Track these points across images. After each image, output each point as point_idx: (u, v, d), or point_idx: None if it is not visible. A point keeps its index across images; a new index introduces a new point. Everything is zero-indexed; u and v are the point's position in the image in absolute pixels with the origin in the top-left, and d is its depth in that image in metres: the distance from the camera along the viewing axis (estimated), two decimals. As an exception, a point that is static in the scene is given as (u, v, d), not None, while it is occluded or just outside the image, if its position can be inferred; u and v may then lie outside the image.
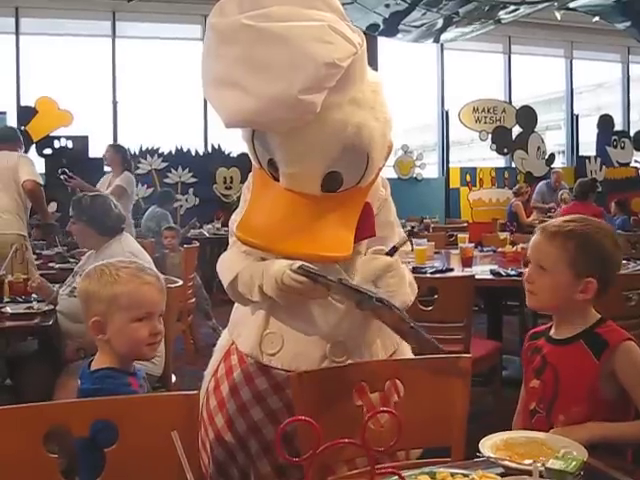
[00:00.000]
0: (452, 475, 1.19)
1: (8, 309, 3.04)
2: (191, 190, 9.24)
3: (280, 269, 1.61)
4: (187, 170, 9.23)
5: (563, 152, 12.49)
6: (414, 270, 3.21)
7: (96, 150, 7.95)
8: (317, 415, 1.36)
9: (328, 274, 1.57)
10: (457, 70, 11.23)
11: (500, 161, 11.54)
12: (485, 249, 5.24)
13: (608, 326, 1.71)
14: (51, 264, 4.89)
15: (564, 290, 1.70)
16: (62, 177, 5.85)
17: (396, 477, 1.11)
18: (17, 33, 9.10)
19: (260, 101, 1.48)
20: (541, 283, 1.74)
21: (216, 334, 4.26)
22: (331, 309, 1.77)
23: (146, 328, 1.63)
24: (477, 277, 3.42)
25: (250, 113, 1.51)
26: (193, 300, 5.06)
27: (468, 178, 10.83)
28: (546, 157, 11.01)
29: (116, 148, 6.31)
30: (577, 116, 12.17)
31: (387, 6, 8.03)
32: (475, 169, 11.01)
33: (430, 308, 3.14)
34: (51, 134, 8.55)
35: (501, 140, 10.72)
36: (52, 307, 3.03)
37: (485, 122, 10.75)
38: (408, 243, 1.93)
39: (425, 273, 3.69)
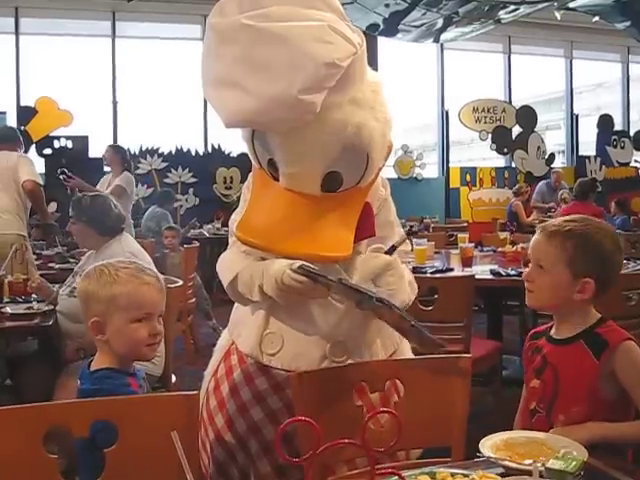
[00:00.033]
0: (452, 475, 1.19)
1: (8, 309, 3.04)
2: (191, 190, 9.24)
3: (280, 269, 1.61)
4: (187, 170, 9.23)
5: (563, 152, 12.50)
6: (414, 270, 3.20)
7: (96, 150, 7.95)
8: (317, 415, 1.37)
9: (328, 274, 1.57)
10: (457, 70, 11.22)
11: (500, 161, 11.54)
12: (485, 249, 5.24)
13: (608, 326, 1.71)
14: (51, 264, 4.89)
15: (562, 290, 1.70)
16: (61, 177, 5.85)
17: (396, 477, 1.11)
18: (17, 33, 9.10)
19: (260, 101, 1.48)
20: (540, 282, 1.75)
21: (216, 334, 4.26)
22: (331, 309, 1.77)
23: (145, 329, 1.62)
24: (477, 277, 3.42)
25: (250, 113, 1.51)
26: (193, 300, 5.05)
27: (468, 178, 10.83)
28: (546, 157, 11.01)
29: (115, 148, 6.32)
30: (577, 116, 12.18)
31: (387, 6, 8.03)
32: (475, 169, 11.01)
33: (430, 308, 3.14)
34: (51, 134, 8.55)
35: (501, 140, 10.72)
36: (52, 307, 3.03)
37: (485, 122, 10.75)
38: (408, 243, 1.93)
39: (425, 273, 3.69)
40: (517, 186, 9.31)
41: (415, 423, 1.60)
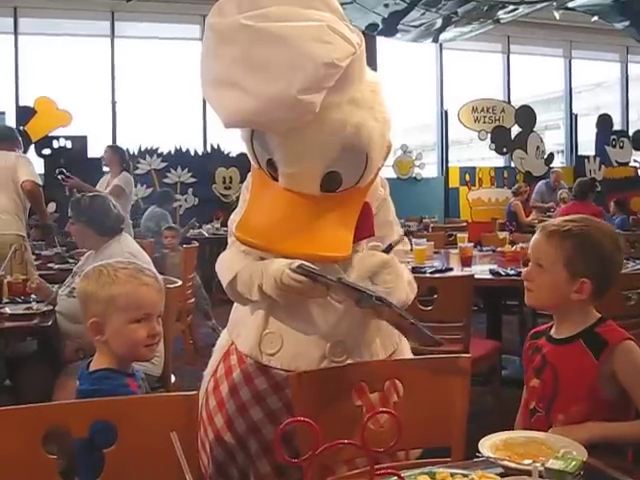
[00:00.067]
0: (452, 475, 1.19)
1: (7, 310, 3.04)
2: (190, 190, 9.24)
3: (279, 268, 1.61)
4: (186, 170, 9.23)
5: (562, 152, 12.51)
6: (413, 270, 3.20)
7: (95, 150, 7.95)
8: (316, 415, 1.37)
9: (327, 273, 1.57)
10: (456, 70, 11.23)
11: (499, 161, 11.55)
12: (484, 249, 5.24)
13: (608, 326, 1.71)
14: (50, 264, 4.88)
15: (560, 289, 1.71)
16: (59, 177, 5.85)
17: (395, 477, 1.11)
18: (16, 33, 9.09)
19: (259, 101, 1.48)
20: (539, 281, 1.75)
21: (215, 334, 4.26)
22: (330, 309, 1.77)
23: (144, 329, 1.62)
24: (476, 277, 3.42)
25: (249, 113, 1.51)
26: (192, 300, 5.05)
27: (467, 178, 10.84)
28: (545, 157, 11.02)
29: (114, 149, 6.32)
30: (576, 116, 12.19)
31: (386, 6, 8.03)
32: (474, 169, 11.02)
33: (429, 308, 3.14)
34: (50, 134, 8.55)
35: (500, 140, 10.73)
36: (51, 308, 3.03)
37: (484, 122, 10.75)
38: (407, 242, 1.94)
39: (424, 273, 3.69)
40: (516, 186, 9.32)
41: (414, 423, 1.59)
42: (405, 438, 1.14)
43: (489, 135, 10.70)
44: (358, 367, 1.74)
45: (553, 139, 12.72)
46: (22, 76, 9.09)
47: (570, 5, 8.50)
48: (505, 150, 10.89)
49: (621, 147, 11.72)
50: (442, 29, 8.92)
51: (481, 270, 3.92)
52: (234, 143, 7.95)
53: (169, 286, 2.79)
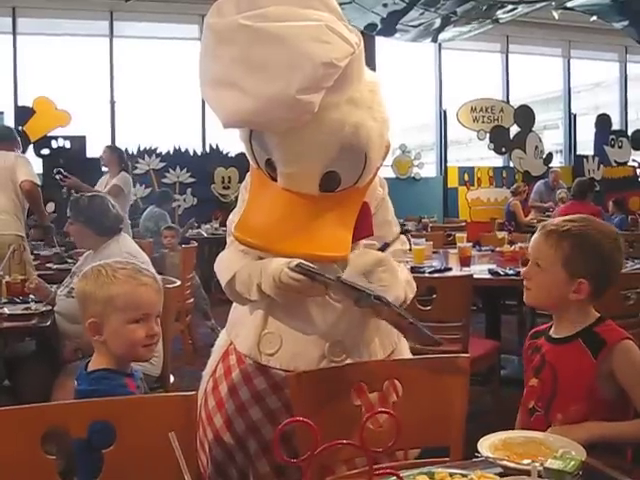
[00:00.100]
0: (450, 475, 1.19)
1: (6, 310, 3.03)
2: (189, 190, 9.23)
3: (278, 267, 1.61)
4: (185, 170, 9.23)
5: (561, 151, 12.51)
6: (412, 270, 3.20)
7: (94, 150, 7.94)
8: (315, 415, 1.36)
9: (326, 272, 1.57)
10: (455, 69, 11.23)
11: (498, 160, 11.55)
12: (483, 248, 5.24)
13: (607, 325, 1.72)
14: (49, 265, 4.88)
15: (558, 289, 1.71)
16: (57, 177, 5.85)
17: (394, 477, 1.11)
18: (14, 33, 9.08)
19: (258, 101, 1.48)
20: (537, 281, 1.75)
21: (214, 334, 4.26)
22: (329, 308, 1.77)
23: (143, 329, 1.62)
24: (475, 276, 3.43)
25: (248, 113, 1.51)
26: (191, 300, 5.06)
27: (466, 177, 10.84)
28: (544, 156, 11.03)
29: (113, 149, 6.33)
30: (575, 115, 12.19)
31: (385, 6, 8.03)
32: (473, 168, 11.02)
33: (428, 308, 3.14)
34: (49, 134, 8.54)
35: (499, 139, 10.73)
36: (50, 308, 3.03)
37: (483, 121, 10.76)
38: (406, 242, 1.93)
39: (423, 273, 3.69)
40: (515, 185, 9.32)
41: (413, 423, 1.60)
42: (404, 438, 1.14)
43: (488, 135, 10.71)
44: (357, 367, 1.74)
45: (552, 139, 12.72)
46: (21, 76, 9.09)
47: (569, 5, 8.50)
48: (504, 150, 10.89)
49: (620, 147, 11.73)
50: (441, 29, 8.91)
51: (480, 270, 3.92)
52: (233, 143, 7.93)
53: (168, 286, 2.79)
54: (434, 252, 4.72)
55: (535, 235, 1.80)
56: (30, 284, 3.19)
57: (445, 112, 11.05)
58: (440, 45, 10.87)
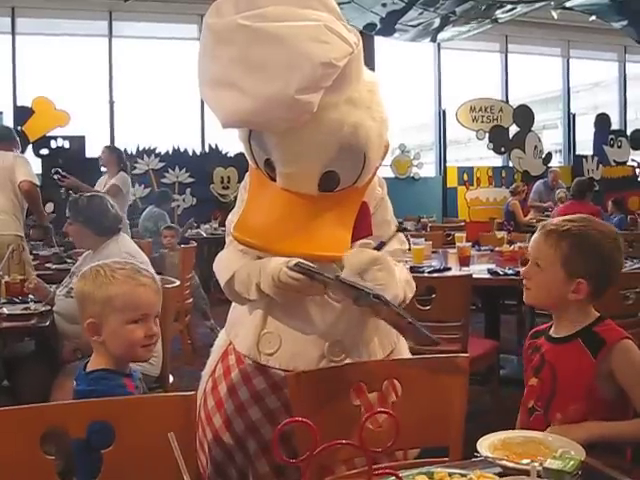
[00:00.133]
0: (450, 475, 1.19)
1: (5, 310, 3.03)
2: (188, 190, 9.23)
3: (277, 266, 1.61)
4: (184, 170, 9.22)
5: (560, 151, 12.52)
6: (412, 269, 3.21)
7: (93, 150, 7.93)
8: (314, 415, 1.37)
9: (325, 271, 1.57)
10: (454, 69, 11.23)
11: (497, 160, 11.56)
12: (482, 248, 5.23)
13: (606, 325, 1.72)
14: (48, 265, 4.88)
15: (558, 289, 1.71)
16: (55, 177, 5.85)
17: (393, 477, 1.11)
18: (13, 33, 9.08)
19: (257, 101, 1.48)
20: (537, 280, 1.75)
21: (214, 334, 4.26)
22: (328, 308, 1.78)
23: (141, 330, 1.62)
24: (474, 276, 3.42)
25: (247, 113, 1.51)
26: (190, 300, 5.06)
27: (465, 177, 10.84)
28: (543, 156, 11.03)
29: (111, 149, 6.33)
30: (574, 115, 12.18)
31: (384, 5, 8.02)
32: (472, 168, 11.03)
33: (428, 307, 3.14)
34: (48, 134, 8.54)
35: (498, 139, 10.74)
36: (49, 308, 3.03)
37: (482, 121, 10.76)
38: (405, 242, 1.93)
39: (423, 272, 3.69)
40: (514, 185, 9.32)
41: (413, 423, 1.60)
42: (403, 438, 1.14)
43: (487, 135, 10.71)
44: (356, 367, 1.74)
45: (551, 138, 12.72)
46: (20, 76, 9.08)
47: (568, 5, 8.50)
48: (503, 150, 10.90)
49: (619, 146, 11.74)
50: (440, 29, 8.91)
51: (479, 270, 3.92)
52: (232, 143, 7.92)
53: (167, 286, 2.79)
54: (433, 252, 4.72)
55: (535, 235, 1.80)
56: (29, 284, 3.19)
57: (444, 112, 11.05)
58: (439, 45, 10.87)
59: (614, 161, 11.70)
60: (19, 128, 8.03)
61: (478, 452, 1.31)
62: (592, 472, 1.25)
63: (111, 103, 9.46)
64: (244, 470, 1.86)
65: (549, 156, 11.16)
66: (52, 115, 8.59)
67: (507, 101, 11.36)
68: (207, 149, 9.64)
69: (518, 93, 11.68)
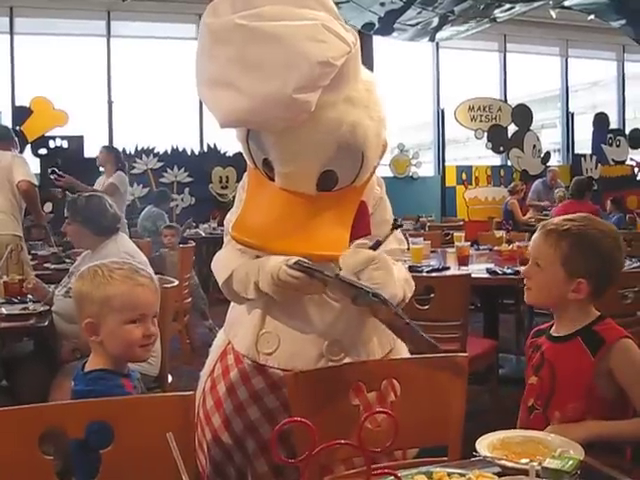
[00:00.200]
0: (449, 475, 1.19)
1: (3, 310, 3.03)
2: (187, 190, 9.22)
3: (276, 265, 1.61)
4: (183, 170, 9.22)
5: (559, 150, 12.52)
6: (410, 269, 3.20)
7: (91, 150, 7.92)
8: (313, 415, 1.37)
9: (324, 270, 1.57)
10: (453, 69, 11.23)
11: (496, 159, 11.56)
12: (481, 247, 5.24)
13: (606, 324, 1.72)
14: (47, 264, 4.88)
15: (558, 289, 1.71)
16: (52, 177, 5.85)
17: (392, 477, 1.11)
18: (11, 33, 9.07)
19: (254, 100, 1.48)
20: (537, 280, 1.75)
21: (212, 334, 4.26)
22: (327, 307, 1.77)
23: (139, 330, 1.62)
24: (473, 276, 3.43)
25: (244, 113, 1.51)
26: (189, 300, 5.06)
27: (464, 176, 10.85)
28: (542, 155, 11.04)
29: (109, 149, 6.35)
30: (572, 114, 12.19)
31: (382, 5, 8.02)
32: (471, 167, 11.03)
33: (426, 307, 3.14)
34: (46, 134, 8.53)
35: (497, 138, 10.74)
36: (48, 308, 3.03)
37: (481, 120, 10.77)
38: (404, 241, 1.93)
39: (421, 272, 3.69)
40: (513, 184, 9.33)
41: (412, 422, 1.59)
42: (402, 437, 1.14)
43: (486, 134, 10.72)
44: (355, 367, 1.74)
45: (549, 138, 12.73)
46: (18, 76, 9.07)
47: (566, 4, 8.50)
48: (502, 149, 10.90)
49: (617, 145, 11.75)
50: (439, 28, 8.90)
51: (478, 269, 3.92)
52: (231, 143, 7.90)
53: (166, 286, 2.79)
54: (432, 251, 4.72)
55: (535, 234, 1.80)
56: (28, 284, 3.19)
57: (443, 111, 11.05)
58: (438, 44, 10.86)
59: (613, 160, 11.70)
60: (17, 128, 8.03)
61: (477, 452, 1.31)
62: (591, 472, 1.25)
63: (109, 103, 9.45)
64: (243, 470, 1.86)
65: (548, 155, 11.16)
66: (50, 115, 8.58)
67: (506, 100, 11.36)
68: (206, 149, 9.64)
69: (517, 92, 11.68)
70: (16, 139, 4.97)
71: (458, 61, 11.25)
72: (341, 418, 1.61)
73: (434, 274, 3.70)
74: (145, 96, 9.21)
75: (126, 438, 1.42)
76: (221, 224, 7.40)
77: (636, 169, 12.01)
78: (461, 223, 8.83)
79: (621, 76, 12.81)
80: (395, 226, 1.81)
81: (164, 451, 1.24)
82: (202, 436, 1.91)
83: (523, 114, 10.87)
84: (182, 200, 9.18)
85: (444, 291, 3.16)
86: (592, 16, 9.23)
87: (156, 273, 1.94)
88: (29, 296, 3.23)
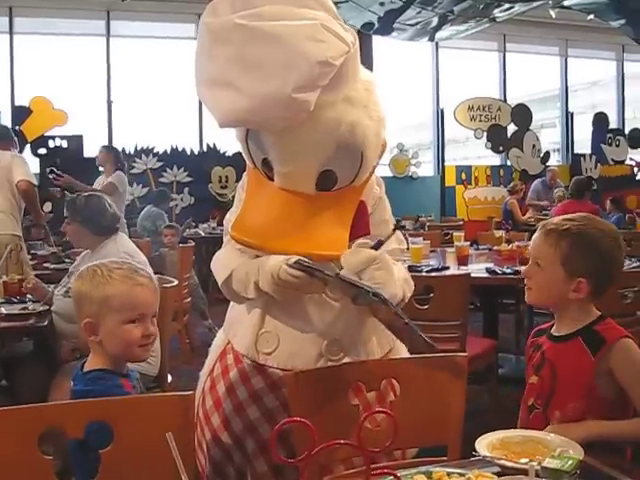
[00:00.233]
0: (448, 475, 1.19)
1: (3, 310, 3.03)
2: (186, 189, 9.22)
3: (276, 264, 1.61)
4: (182, 169, 9.22)
5: (558, 150, 12.52)
6: (410, 269, 3.21)
7: (91, 150, 7.92)
8: (313, 415, 1.36)
9: (324, 269, 1.57)
10: (452, 68, 11.23)
11: (495, 159, 11.56)
12: (481, 247, 5.24)
13: (607, 323, 1.72)
14: (46, 264, 4.88)
15: (557, 288, 1.71)
16: (50, 176, 5.85)
17: (392, 477, 1.11)
18: (11, 33, 9.07)
19: (253, 100, 1.47)
20: (537, 280, 1.75)
21: (212, 334, 4.26)
22: (327, 307, 1.78)
23: (139, 330, 1.62)
24: (473, 275, 3.43)
25: (244, 112, 1.51)
26: (189, 300, 5.06)
27: (463, 176, 10.85)
28: (541, 155, 11.04)
29: (109, 149, 6.35)
30: (572, 114, 12.19)
31: (382, 4, 8.02)
32: (470, 167, 11.04)
33: (426, 307, 3.14)
34: (46, 134, 8.53)
35: (496, 138, 10.74)
36: (47, 308, 3.03)
37: (480, 120, 10.77)
38: (404, 241, 1.93)
39: (421, 272, 3.69)
40: (512, 184, 9.33)
41: (411, 422, 1.59)
42: (402, 437, 1.14)
43: (485, 134, 10.72)
44: (354, 366, 1.74)
45: (549, 137, 12.73)
46: (18, 76, 9.07)
47: (566, 3, 8.50)
48: (501, 148, 10.90)
49: (617, 145, 11.75)
50: (438, 28, 8.90)
51: (477, 269, 3.92)
52: (230, 142, 7.90)
53: (165, 286, 2.79)
54: (432, 251, 4.72)
55: (535, 234, 1.80)
56: (27, 284, 3.19)
57: (442, 111, 11.05)
58: (437, 44, 10.86)
59: (612, 160, 11.71)
60: (17, 128, 8.02)
61: (476, 451, 1.31)
62: (591, 471, 1.25)
63: (109, 102, 9.45)
64: (242, 469, 1.86)
65: (547, 155, 11.17)
66: (50, 115, 8.58)
67: (505, 100, 11.36)
68: (205, 148, 9.64)
69: (516, 92, 11.68)
70: (15, 139, 4.97)
71: (457, 61, 11.25)
72: (340, 418, 1.61)
73: (434, 274, 3.70)
74: (144, 96, 9.20)
75: (125, 438, 1.41)
76: (220, 224, 7.38)
77: (635, 169, 12.02)
78: (460, 223, 8.83)
79: (620, 76, 12.81)
80: (397, 227, 1.82)
81: (163, 451, 1.23)
82: (201, 436, 1.91)
83: (522, 114, 10.87)
84: (182, 200, 9.18)
85: (443, 291, 3.16)
86: (591, 16, 9.23)
87: (155, 273, 1.95)
88: (28, 296, 3.23)
